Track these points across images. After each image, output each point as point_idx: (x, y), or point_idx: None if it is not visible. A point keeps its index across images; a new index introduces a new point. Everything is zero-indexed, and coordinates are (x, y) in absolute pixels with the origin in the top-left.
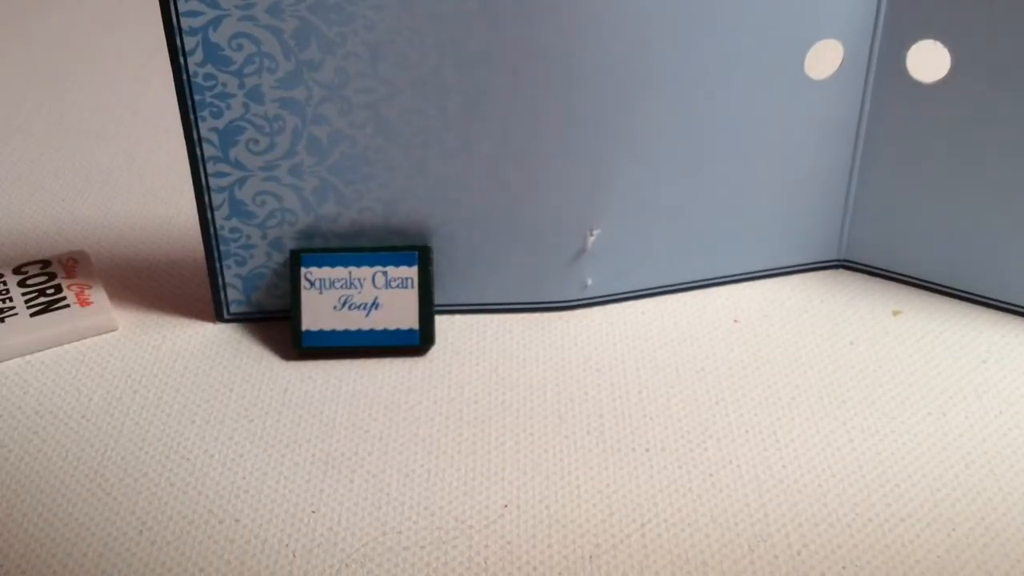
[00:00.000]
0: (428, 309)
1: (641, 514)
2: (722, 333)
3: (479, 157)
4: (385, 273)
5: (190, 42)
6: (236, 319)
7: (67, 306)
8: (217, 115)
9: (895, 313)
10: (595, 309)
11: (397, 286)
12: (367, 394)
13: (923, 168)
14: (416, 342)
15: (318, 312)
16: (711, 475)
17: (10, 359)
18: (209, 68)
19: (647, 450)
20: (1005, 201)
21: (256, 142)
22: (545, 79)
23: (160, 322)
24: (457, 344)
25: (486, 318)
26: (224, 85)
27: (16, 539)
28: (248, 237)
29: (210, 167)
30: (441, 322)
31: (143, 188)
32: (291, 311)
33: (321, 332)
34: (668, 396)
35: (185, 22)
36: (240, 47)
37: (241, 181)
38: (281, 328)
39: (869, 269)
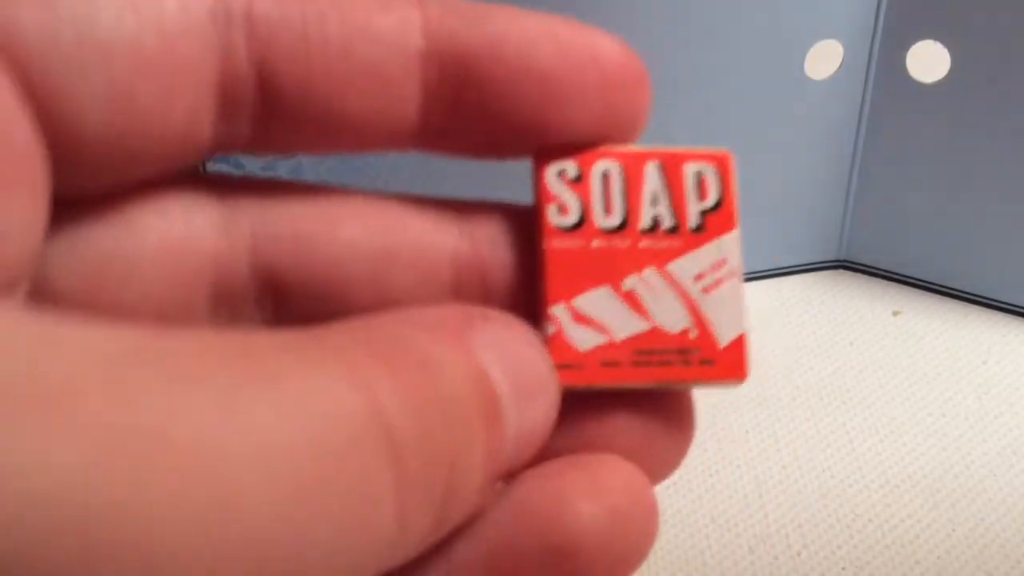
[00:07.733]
0: None
1: None
2: None
3: None
4: None
5: None
6: None
7: None
8: None
9: (895, 313)
10: None
11: None
12: None
13: (923, 168)
14: None
15: None
16: (711, 475)
17: None
18: None
19: None
20: (1006, 201)
21: None
22: None
23: None
24: None
25: None
26: None
27: None
28: None
29: (209, 168)
30: None
31: None
32: None
33: None
34: None
35: None
36: None
37: None
38: None
39: (869, 269)
